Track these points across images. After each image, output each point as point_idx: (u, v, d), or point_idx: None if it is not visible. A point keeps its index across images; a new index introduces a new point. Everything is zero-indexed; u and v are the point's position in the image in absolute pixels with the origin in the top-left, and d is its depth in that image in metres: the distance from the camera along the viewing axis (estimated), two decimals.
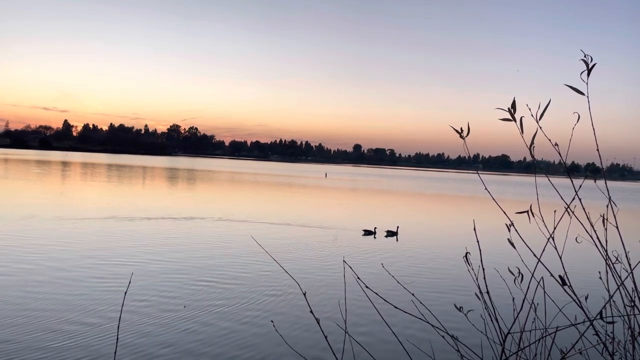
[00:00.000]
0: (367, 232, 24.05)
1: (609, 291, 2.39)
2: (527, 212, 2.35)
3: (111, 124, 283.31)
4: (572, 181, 2.45)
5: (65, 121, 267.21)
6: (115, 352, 5.02)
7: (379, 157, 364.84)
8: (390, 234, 24.01)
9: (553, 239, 2.37)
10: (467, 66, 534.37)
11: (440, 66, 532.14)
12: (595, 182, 2.62)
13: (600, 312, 2.25)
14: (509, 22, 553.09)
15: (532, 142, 2.26)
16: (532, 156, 2.30)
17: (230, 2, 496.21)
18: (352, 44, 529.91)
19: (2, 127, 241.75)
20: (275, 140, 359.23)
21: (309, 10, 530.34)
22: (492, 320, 2.43)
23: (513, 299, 2.46)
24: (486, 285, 2.51)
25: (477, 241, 2.71)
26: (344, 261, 3.14)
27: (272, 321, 10.55)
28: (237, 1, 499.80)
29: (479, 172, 3.51)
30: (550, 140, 2.27)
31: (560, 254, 2.42)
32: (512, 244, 2.39)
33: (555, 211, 2.32)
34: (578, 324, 2.34)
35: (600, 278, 2.53)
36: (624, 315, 2.40)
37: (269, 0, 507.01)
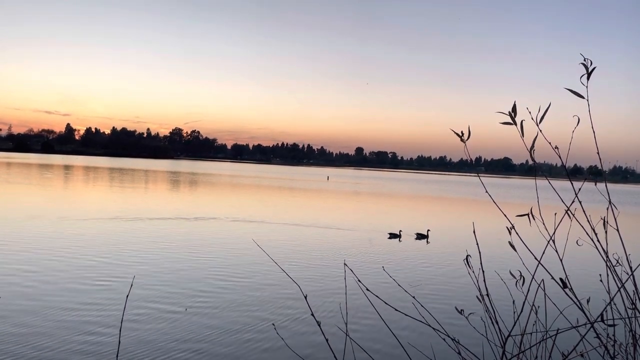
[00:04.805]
0: (393, 235, 24.16)
1: (609, 293, 2.40)
2: (528, 215, 2.36)
3: (113, 127, 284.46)
4: (572, 184, 2.46)
5: (68, 125, 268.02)
6: (117, 354, 5.02)
7: (381, 159, 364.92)
8: (420, 236, 24.16)
9: (554, 242, 2.37)
10: (469, 68, 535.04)
11: (442, 68, 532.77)
12: (595, 184, 2.62)
13: (601, 315, 2.25)
14: (510, 23, 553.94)
15: (533, 146, 2.27)
16: (533, 159, 2.31)
17: (232, 5, 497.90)
18: (353, 46, 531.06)
19: (5, 130, 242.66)
20: (277, 144, 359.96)
21: (310, 12, 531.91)
22: (492, 322, 2.43)
23: (513, 301, 2.47)
24: (486, 288, 2.51)
25: (477, 244, 2.72)
26: (344, 264, 3.14)
27: (273, 324, 10.56)
28: (238, 4, 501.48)
29: (480, 175, 3.52)
30: (550, 143, 2.28)
31: (560, 257, 2.43)
32: (512, 246, 2.40)
33: (555, 214, 2.33)
34: (579, 326, 2.34)
35: (601, 280, 2.54)
36: (625, 318, 2.40)
37: (270, 2, 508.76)
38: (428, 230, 24.63)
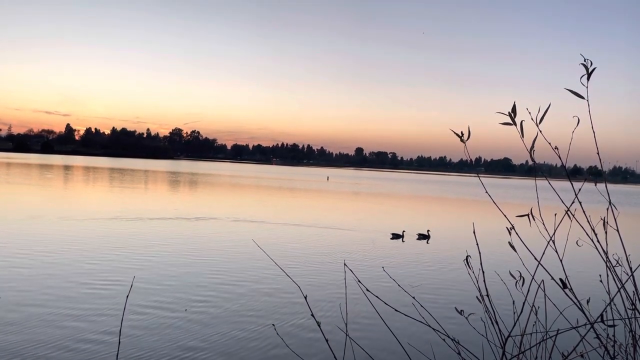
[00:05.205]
0: (396, 236, 24.23)
1: (609, 294, 2.40)
2: (528, 215, 2.36)
3: (113, 127, 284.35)
4: (572, 184, 2.46)
5: (68, 125, 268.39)
6: (117, 355, 5.03)
7: (381, 160, 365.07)
8: (422, 237, 24.29)
9: (554, 242, 2.37)
10: (469, 68, 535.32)
11: (442, 68, 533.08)
12: (595, 185, 2.62)
13: (601, 315, 2.25)
14: (510, 23, 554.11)
15: (533, 146, 2.27)
16: (533, 160, 2.31)
17: (232, 5, 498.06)
18: (353, 46, 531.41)
19: (5, 130, 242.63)
20: (277, 144, 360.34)
21: (310, 12, 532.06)
22: (492, 323, 2.43)
23: (513, 302, 2.47)
24: (486, 289, 2.51)
25: (477, 244, 2.72)
26: (344, 265, 3.14)
27: (273, 325, 10.55)
28: (238, 4, 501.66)
29: (480, 175, 3.52)
30: (550, 143, 2.28)
31: (560, 257, 2.43)
32: (512, 247, 2.40)
33: (555, 214, 2.33)
34: (579, 327, 2.34)
35: (601, 281, 2.54)
36: (625, 318, 2.40)
37: (270, 2, 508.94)
38: (428, 231, 24.67)
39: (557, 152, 2.32)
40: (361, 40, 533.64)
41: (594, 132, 2.47)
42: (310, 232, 24.93)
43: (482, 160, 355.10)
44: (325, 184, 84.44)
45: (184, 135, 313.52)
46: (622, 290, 2.33)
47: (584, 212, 2.42)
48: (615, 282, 2.37)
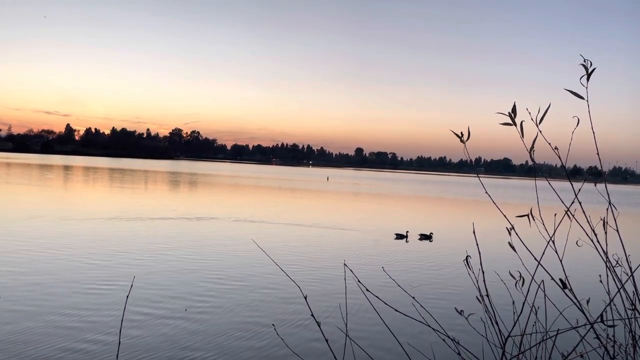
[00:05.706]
0: (399, 236, 24.29)
1: (609, 294, 2.40)
2: (528, 215, 2.36)
3: (113, 127, 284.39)
4: (572, 184, 2.46)
5: (68, 125, 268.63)
6: (117, 355, 5.02)
7: (381, 160, 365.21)
8: (424, 237, 24.34)
9: (553, 242, 2.37)
10: (469, 69, 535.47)
11: (442, 69, 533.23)
12: (595, 185, 2.62)
13: (601, 316, 2.25)
14: (511, 24, 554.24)
15: (532, 147, 2.27)
16: (533, 160, 2.31)
17: (232, 6, 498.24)
18: (354, 46, 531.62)
19: (5, 131, 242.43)
20: (277, 144, 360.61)
21: (310, 12, 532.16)
22: (492, 323, 2.43)
23: (513, 302, 2.47)
24: (486, 289, 2.51)
25: (477, 244, 2.72)
26: (344, 264, 3.14)
27: (273, 324, 10.56)
28: (239, 5, 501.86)
29: (479, 175, 3.52)
30: (550, 144, 2.28)
31: (560, 257, 2.43)
32: (512, 247, 2.40)
33: (555, 214, 2.33)
34: (579, 327, 2.34)
35: (601, 281, 2.54)
36: (625, 319, 2.40)
37: (270, 3, 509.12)
38: (431, 233, 24.69)
39: (557, 152, 2.32)
40: (361, 40, 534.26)
41: (593, 133, 2.47)
42: (311, 232, 24.92)
43: (482, 160, 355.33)
44: (325, 184, 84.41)
45: (184, 135, 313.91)
46: (622, 290, 2.33)
47: (583, 212, 2.42)
48: (615, 282, 2.37)
